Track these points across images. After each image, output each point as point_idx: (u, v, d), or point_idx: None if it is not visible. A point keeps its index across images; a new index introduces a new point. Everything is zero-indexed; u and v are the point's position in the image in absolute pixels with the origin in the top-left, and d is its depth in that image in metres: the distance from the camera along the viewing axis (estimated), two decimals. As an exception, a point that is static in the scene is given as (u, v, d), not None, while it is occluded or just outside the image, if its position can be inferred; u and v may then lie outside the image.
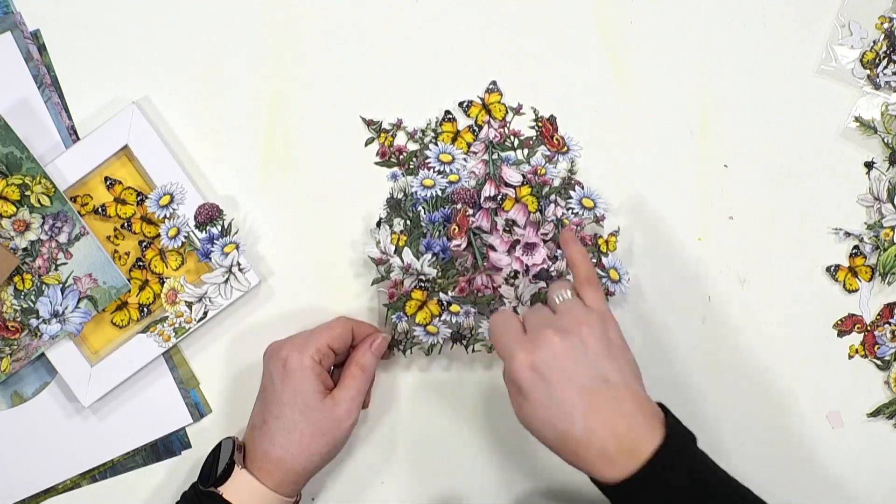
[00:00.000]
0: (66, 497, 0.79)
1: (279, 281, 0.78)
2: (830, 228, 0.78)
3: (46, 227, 0.74)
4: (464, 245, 0.75)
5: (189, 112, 0.78)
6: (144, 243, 0.77)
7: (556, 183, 0.76)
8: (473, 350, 0.75)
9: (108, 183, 0.77)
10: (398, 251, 0.74)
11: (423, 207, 0.75)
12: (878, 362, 0.78)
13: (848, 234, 0.78)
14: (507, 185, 0.76)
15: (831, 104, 0.78)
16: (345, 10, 0.78)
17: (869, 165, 0.78)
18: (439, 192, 0.75)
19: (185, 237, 0.76)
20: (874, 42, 0.78)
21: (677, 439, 0.61)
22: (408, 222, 0.75)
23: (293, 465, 0.69)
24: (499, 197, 0.75)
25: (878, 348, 0.78)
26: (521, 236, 0.75)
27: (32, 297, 0.74)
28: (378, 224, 0.76)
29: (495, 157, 0.77)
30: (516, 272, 0.75)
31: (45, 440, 0.78)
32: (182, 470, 0.79)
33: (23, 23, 0.77)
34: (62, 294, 0.74)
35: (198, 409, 0.78)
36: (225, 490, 0.68)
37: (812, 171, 0.78)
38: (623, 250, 0.78)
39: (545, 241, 0.75)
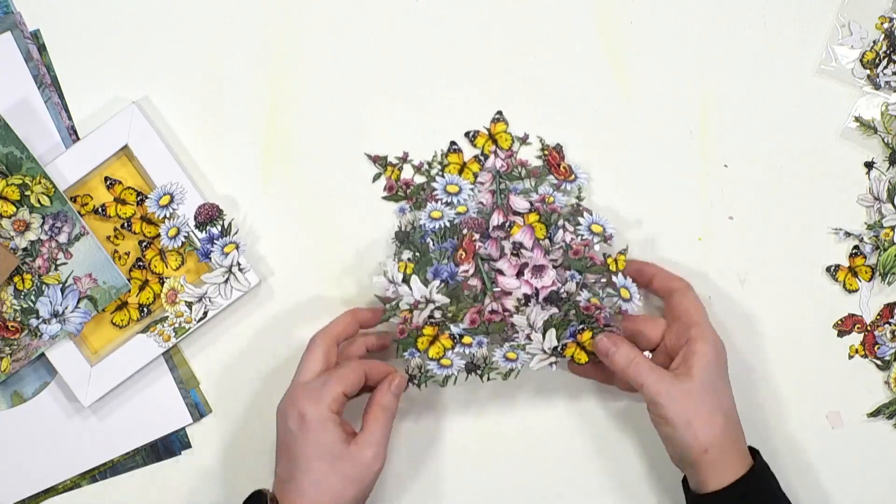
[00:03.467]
0: (66, 497, 0.79)
1: (279, 281, 0.78)
2: (830, 228, 0.78)
3: (46, 227, 0.74)
4: (472, 271, 0.74)
5: (189, 112, 0.78)
6: (144, 243, 0.77)
7: (565, 211, 0.75)
8: (489, 379, 0.74)
9: (108, 183, 0.77)
10: (406, 279, 0.73)
11: (432, 239, 0.74)
12: (878, 362, 0.78)
13: (848, 234, 0.78)
14: (515, 213, 0.75)
15: (831, 104, 0.78)
16: (346, 10, 0.78)
17: (869, 165, 0.78)
18: (447, 224, 0.74)
19: (185, 237, 0.76)
20: (874, 42, 0.78)
21: (762, 470, 0.71)
22: (416, 253, 0.74)
23: None
24: (506, 224, 0.74)
25: (878, 348, 0.78)
26: (528, 259, 0.73)
27: (32, 297, 0.74)
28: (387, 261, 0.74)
29: (503, 186, 0.76)
30: (527, 297, 0.73)
31: (45, 440, 0.78)
32: (182, 470, 0.79)
33: (23, 23, 0.77)
34: (62, 294, 0.74)
35: (198, 409, 0.78)
36: None
37: (812, 171, 0.78)
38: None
39: (555, 268, 0.74)
